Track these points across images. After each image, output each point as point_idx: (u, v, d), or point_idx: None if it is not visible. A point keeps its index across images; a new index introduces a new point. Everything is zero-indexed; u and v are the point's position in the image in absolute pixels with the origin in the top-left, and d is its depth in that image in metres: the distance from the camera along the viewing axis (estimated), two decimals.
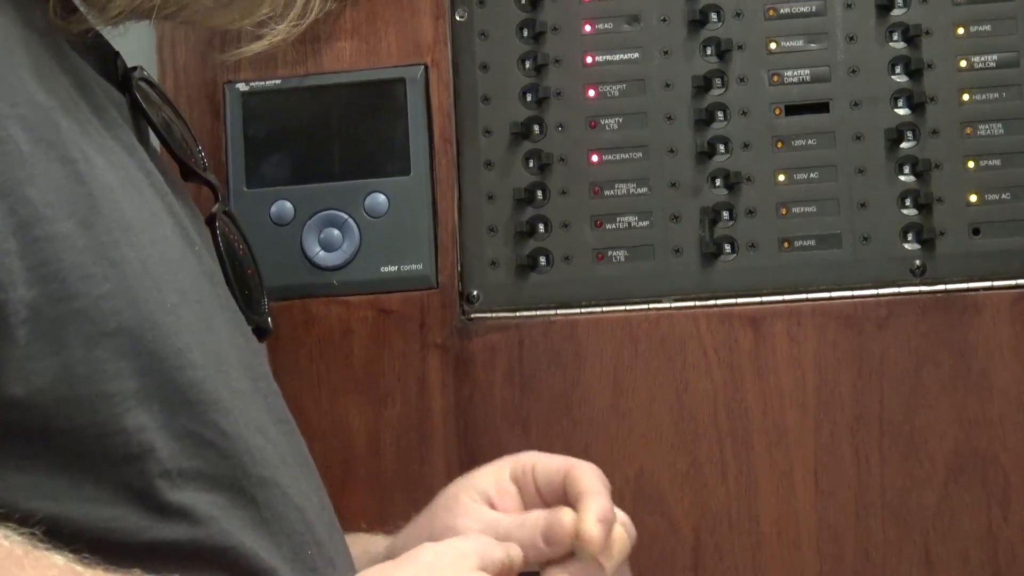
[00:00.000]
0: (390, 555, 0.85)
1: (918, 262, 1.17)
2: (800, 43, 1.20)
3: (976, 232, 1.16)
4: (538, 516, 0.79)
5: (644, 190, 1.20)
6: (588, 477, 0.81)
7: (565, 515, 0.77)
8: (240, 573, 0.63)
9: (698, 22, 1.20)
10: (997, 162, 1.16)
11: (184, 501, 0.62)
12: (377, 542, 0.91)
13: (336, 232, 1.21)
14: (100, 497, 0.59)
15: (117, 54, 0.80)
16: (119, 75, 0.79)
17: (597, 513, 0.78)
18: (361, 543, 0.90)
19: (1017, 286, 1.14)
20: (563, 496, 0.81)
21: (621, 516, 0.83)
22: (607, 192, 1.20)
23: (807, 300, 1.16)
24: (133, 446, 0.60)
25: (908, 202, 1.17)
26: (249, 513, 0.65)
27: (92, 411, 0.59)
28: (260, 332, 0.83)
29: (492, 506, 0.84)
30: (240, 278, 0.83)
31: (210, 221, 0.84)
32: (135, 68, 0.80)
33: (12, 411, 0.57)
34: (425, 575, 0.66)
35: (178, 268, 0.67)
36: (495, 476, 0.86)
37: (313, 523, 0.71)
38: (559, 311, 1.19)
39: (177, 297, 0.65)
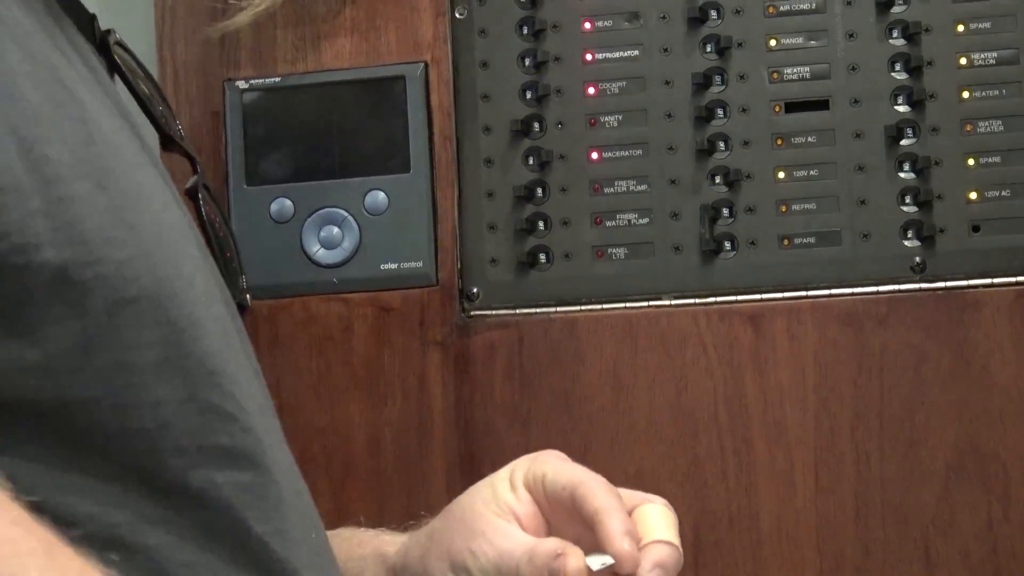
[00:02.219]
0: (402, 564, 0.83)
1: (918, 259, 1.17)
2: (800, 40, 1.20)
3: (976, 229, 1.16)
4: (547, 551, 0.74)
5: (644, 187, 1.20)
6: (599, 494, 0.76)
7: (572, 559, 0.73)
8: (251, 565, 0.61)
9: (698, 19, 1.20)
10: (997, 159, 1.16)
11: (199, 483, 0.59)
12: (386, 542, 0.88)
13: (336, 230, 1.21)
14: (105, 478, 0.57)
15: (94, 16, 0.76)
16: (96, 38, 0.75)
17: (619, 529, 0.73)
18: (370, 543, 0.88)
19: (1017, 283, 1.14)
20: (572, 511, 0.77)
21: (656, 499, 0.79)
22: (607, 189, 1.20)
23: (807, 297, 1.16)
24: (148, 420, 0.58)
25: (908, 199, 1.17)
26: (269, 493, 0.63)
27: (109, 381, 0.56)
28: (240, 309, 0.80)
29: (518, 520, 0.79)
30: (220, 252, 0.81)
31: (191, 193, 0.82)
32: (109, 31, 0.77)
33: (28, 377, 0.54)
34: None
35: (186, 237, 0.65)
36: (513, 487, 0.80)
37: (311, 508, 0.69)
38: (559, 308, 1.19)
39: (190, 266, 0.63)
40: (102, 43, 0.75)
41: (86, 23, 0.74)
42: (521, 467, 0.80)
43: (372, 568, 0.85)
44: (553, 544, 0.74)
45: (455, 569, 0.77)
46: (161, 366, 0.58)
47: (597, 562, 0.73)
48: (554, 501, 0.78)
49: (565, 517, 0.77)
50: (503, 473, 0.81)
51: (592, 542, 0.74)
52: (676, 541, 0.75)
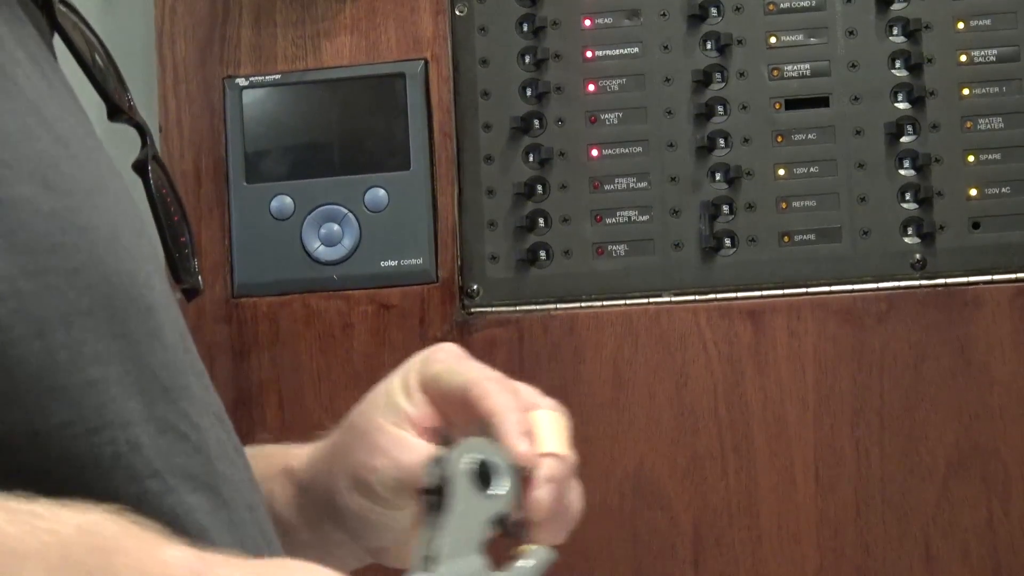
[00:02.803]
0: (308, 479, 0.78)
1: (918, 256, 1.17)
2: (800, 37, 1.20)
3: (976, 226, 1.16)
4: None
5: (644, 184, 1.20)
6: (494, 393, 0.71)
7: None
8: None
9: (698, 17, 1.20)
10: (997, 156, 1.16)
11: (175, 508, 0.55)
12: (292, 456, 0.81)
13: (336, 227, 1.21)
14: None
15: None
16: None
17: (515, 430, 0.69)
18: (278, 460, 0.81)
19: (1017, 280, 1.14)
20: (469, 410, 0.72)
21: (548, 402, 0.74)
22: (607, 187, 1.20)
23: (807, 294, 1.16)
24: (122, 443, 0.54)
25: (908, 196, 1.17)
26: (222, 517, 0.59)
27: (78, 403, 0.52)
28: (190, 293, 0.76)
29: (414, 426, 0.75)
30: (171, 233, 0.76)
31: (140, 167, 0.75)
32: None
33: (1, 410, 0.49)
34: None
35: (141, 232, 0.60)
36: (407, 391, 0.75)
37: (262, 521, 0.65)
38: (559, 305, 1.19)
39: (151, 265, 0.59)
40: (45, 3, 0.68)
41: None
42: (415, 368, 0.76)
43: (280, 488, 0.80)
44: None
45: (358, 485, 0.74)
46: (122, 382, 0.55)
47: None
48: (449, 401, 0.74)
49: (462, 416, 0.73)
50: (396, 379, 0.76)
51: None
52: (566, 450, 0.72)
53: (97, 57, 0.74)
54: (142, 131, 0.77)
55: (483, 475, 0.66)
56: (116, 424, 0.54)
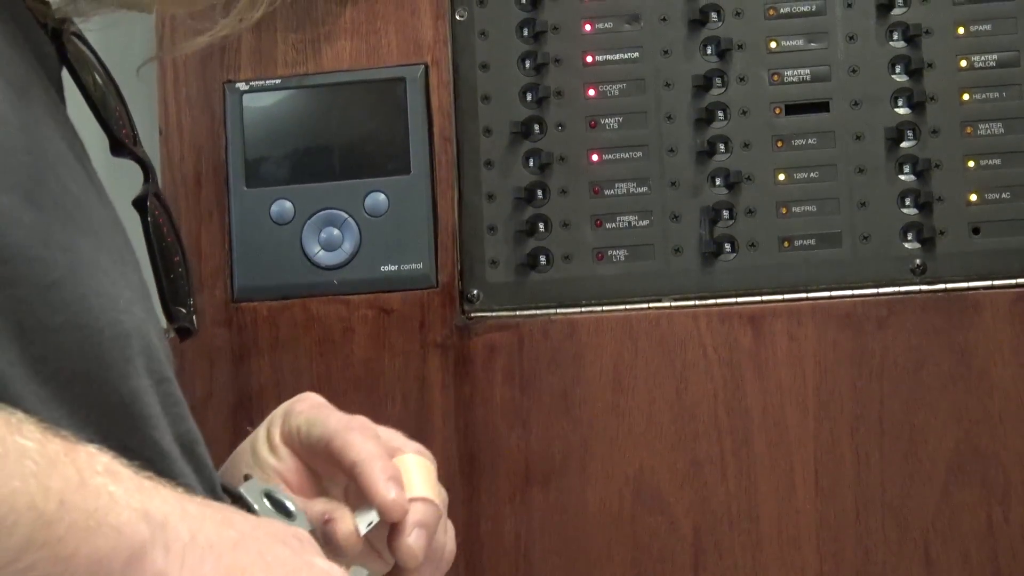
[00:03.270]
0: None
1: (918, 261, 1.17)
2: (800, 42, 1.20)
3: (976, 231, 1.16)
4: (315, 516, 0.70)
5: (644, 189, 1.20)
6: (356, 443, 0.70)
7: (340, 524, 0.69)
8: None
9: (698, 21, 1.20)
10: (997, 161, 1.16)
11: None
12: None
13: (336, 231, 1.21)
14: None
15: (47, 4, 0.68)
16: (49, 23, 0.67)
17: (381, 477, 0.68)
18: None
19: (1017, 285, 1.14)
20: (334, 463, 0.72)
21: (413, 445, 0.74)
22: (607, 191, 1.20)
23: (807, 299, 1.16)
24: None
25: (908, 201, 1.17)
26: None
27: (37, 416, 0.50)
28: (183, 332, 0.75)
29: (284, 480, 0.74)
30: (167, 270, 0.75)
31: (139, 204, 0.75)
32: (66, 19, 0.69)
33: None
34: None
35: (125, 258, 0.60)
36: (272, 446, 0.75)
37: None
38: (559, 310, 1.19)
39: (131, 292, 0.58)
40: (55, 33, 0.68)
41: (39, 8, 0.67)
42: (276, 423, 0.75)
43: None
44: (320, 507, 0.70)
45: None
46: (79, 402, 0.54)
47: (364, 522, 0.69)
48: (314, 453, 0.73)
49: (328, 467, 0.73)
50: (261, 432, 0.76)
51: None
52: (434, 495, 0.71)
53: (105, 92, 0.74)
54: (145, 167, 0.77)
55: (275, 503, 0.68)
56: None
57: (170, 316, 0.74)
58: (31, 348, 0.52)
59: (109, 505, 0.48)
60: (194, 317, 0.78)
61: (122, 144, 0.75)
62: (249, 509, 0.66)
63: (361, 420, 0.73)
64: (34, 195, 0.53)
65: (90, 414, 0.55)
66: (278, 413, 0.76)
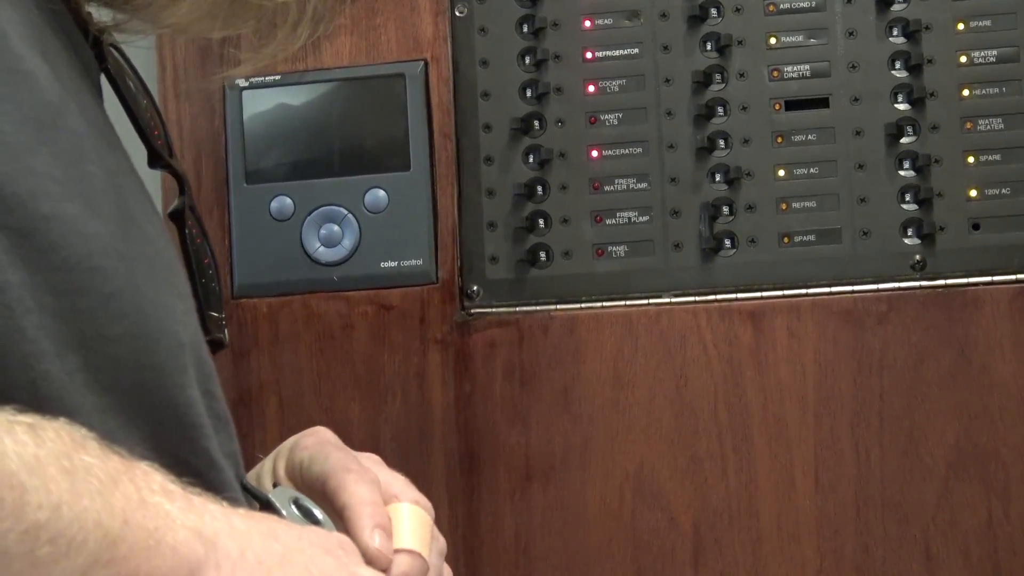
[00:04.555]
0: None
1: (918, 257, 1.17)
2: (800, 38, 1.19)
3: (976, 227, 1.16)
4: None
5: (644, 185, 1.20)
6: (350, 487, 0.69)
7: None
8: None
9: (698, 17, 1.20)
10: (997, 157, 1.16)
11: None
12: None
13: (336, 228, 1.21)
14: None
15: (90, 14, 0.68)
16: (92, 30, 0.68)
17: (367, 524, 0.67)
18: None
19: (1017, 281, 1.14)
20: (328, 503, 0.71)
21: (412, 494, 0.72)
22: (607, 187, 1.20)
23: (807, 295, 1.16)
24: None
25: (908, 197, 1.17)
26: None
27: (88, 428, 0.50)
28: (215, 345, 0.74)
29: None
30: (202, 284, 0.76)
31: (176, 217, 0.76)
32: (105, 29, 0.69)
33: None
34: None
35: (176, 268, 0.61)
36: (277, 479, 0.75)
37: None
38: (559, 306, 1.19)
39: (184, 303, 0.59)
40: (96, 41, 0.69)
41: (81, 16, 0.68)
42: (283, 455, 0.75)
43: None
44: None
45: None
46: (133, 408, 0.55)
47: None
48: (313, 491, 0.72)
49: (326, 505, 0.71)
50: (268, 463, 0.76)
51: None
52: (423, 547, 0.69)
53: (143, 102, 0.74)
54: (180, 180, 0.78)
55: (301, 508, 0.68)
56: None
57: (205, 329, 0.73)
58: (91, 358, 0.53)
59: (167, 524, 0.49)
60: (226, 331, 0.78)
61: (159, 156, 0.76)
62: (278, 515, 0.66)
63: (363, 461, 0.72)
64: (95, 204, 0.53)
65: (146, 424, 0.55)
66: (286, 446, 0.76)
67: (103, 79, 0.70)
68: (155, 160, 0.76)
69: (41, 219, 0.51)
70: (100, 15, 0.68)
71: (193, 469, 0.58)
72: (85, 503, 0.45)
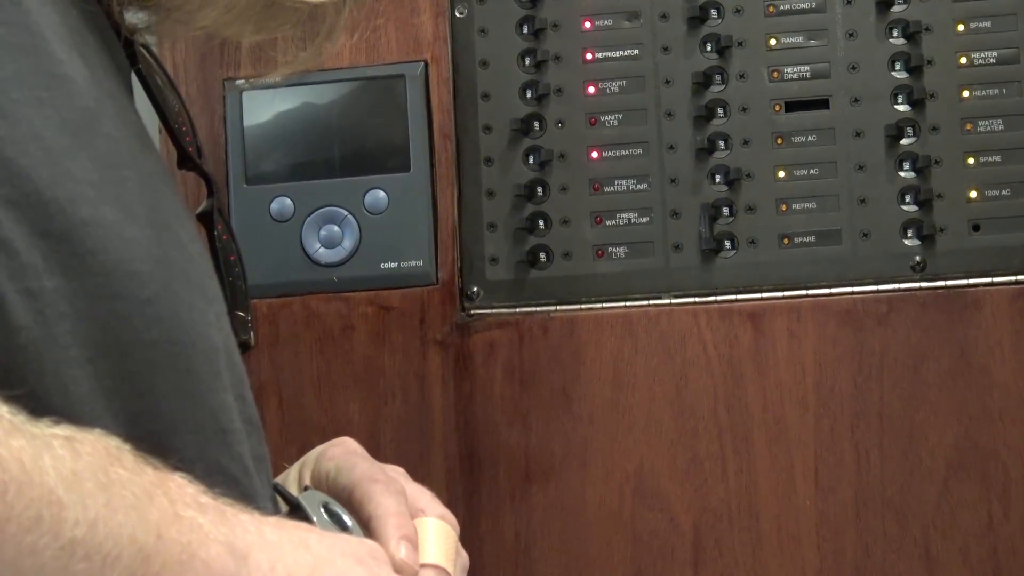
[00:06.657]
0: None
1: (918, 258, 1.17)
2: (800, 39, 1.20)
3: (976, 228, 1.16)
4: None
5: (644, 186, 1.20)
6: (376, 498, 0.69)
7: None
8: None
9: (698, 18, 1.20)
10: (997, 158, 1.16)
11: None
12: None
13: (336, 229, 1.21)
14: None
15: (121, 12, 0.68)
16: (124, 31, 0.68)
17: (395, 535, 0.67)
18: None
19: (1017, 282, 1.14)
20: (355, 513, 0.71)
21: (438, 509, 0.73)
22: (607, 188, 1.20)
23: (807, 296, 1.16)
24: None
25: (908, 198, 1.17)
26: None
27: (120, 435, 0.50)
28: (242, 347, 0.73)
29: None
30: (229, 283, 0.76)
31: (205, 218, 0.76)
32: (136, 30, 0.69)
33: None
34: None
35: (209, 272, 0.61)
36: (301, 489, 0.75)
37: None
38: (559, 307, 1.19)
39: (218, 308, 0.59)
40: (127, 42, 0.69)
41: (114, 19, 0.67)
42: (309, 465, 0.75)
43: None
44: None
45: None
46: (172, 417, 0.55)
47: None
48: (339, 500, 0.72)
49: (352, 515, 0.71)
50: (293, 472, 0.76)
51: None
52: (448, 563, 0.70)
53: (173, 104, 0.74)
54: (209, 182, 0.78)
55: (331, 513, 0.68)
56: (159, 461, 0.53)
57: (234, 331, 0.73)
58: (126, 363, 0.53)
59: (200, 539, 0.49)
60: (252, 333, 0.78)
61: (188, 157, 0.76)
62: (307, 519, 0.66)
63: (391, 472, 0.73)
64: (132, 209, 0.53)
65: (181, 430, 0.55)
66: (312, 455, 0.76)
67: (134, 79, 0.70)
68: (184, 161, 0.77)
69: (80, 224, 0.51)
70: (133, 17, 0.68)
71: (228, 474, 0.58)
72: (120, 518, 0.45)
